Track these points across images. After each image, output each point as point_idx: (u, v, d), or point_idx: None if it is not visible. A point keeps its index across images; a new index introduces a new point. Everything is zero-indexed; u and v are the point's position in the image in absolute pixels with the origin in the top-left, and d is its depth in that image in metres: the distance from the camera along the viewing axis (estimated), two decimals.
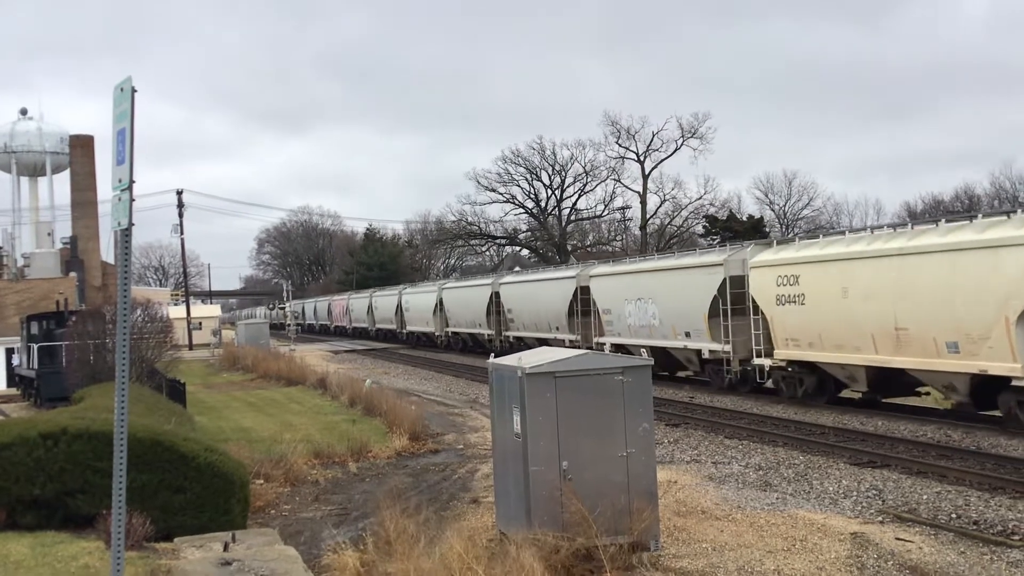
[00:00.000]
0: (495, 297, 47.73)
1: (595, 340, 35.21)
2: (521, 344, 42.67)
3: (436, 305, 57.62)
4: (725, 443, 19.34)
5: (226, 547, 10.41)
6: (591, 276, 36.60)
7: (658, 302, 30.51)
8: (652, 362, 11.72)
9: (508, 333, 46.19)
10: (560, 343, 35.90)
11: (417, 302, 62.89)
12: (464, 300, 53.29)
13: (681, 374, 32.50)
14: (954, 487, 14.24)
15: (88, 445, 11.91)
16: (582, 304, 37.49)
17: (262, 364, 44.16)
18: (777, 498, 13.98)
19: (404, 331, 66.11)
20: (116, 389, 6.42)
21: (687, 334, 28.94)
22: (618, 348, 32.15)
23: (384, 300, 72.60)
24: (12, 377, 36.17)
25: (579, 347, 32.45)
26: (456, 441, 21.24)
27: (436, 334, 58.38)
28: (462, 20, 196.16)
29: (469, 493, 15.49)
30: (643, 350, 30.35)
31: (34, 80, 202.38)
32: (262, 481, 16.16)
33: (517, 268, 66.86)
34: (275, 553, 10.27)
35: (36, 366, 29.89)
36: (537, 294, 42.55)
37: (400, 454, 19.65)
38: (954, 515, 12.61)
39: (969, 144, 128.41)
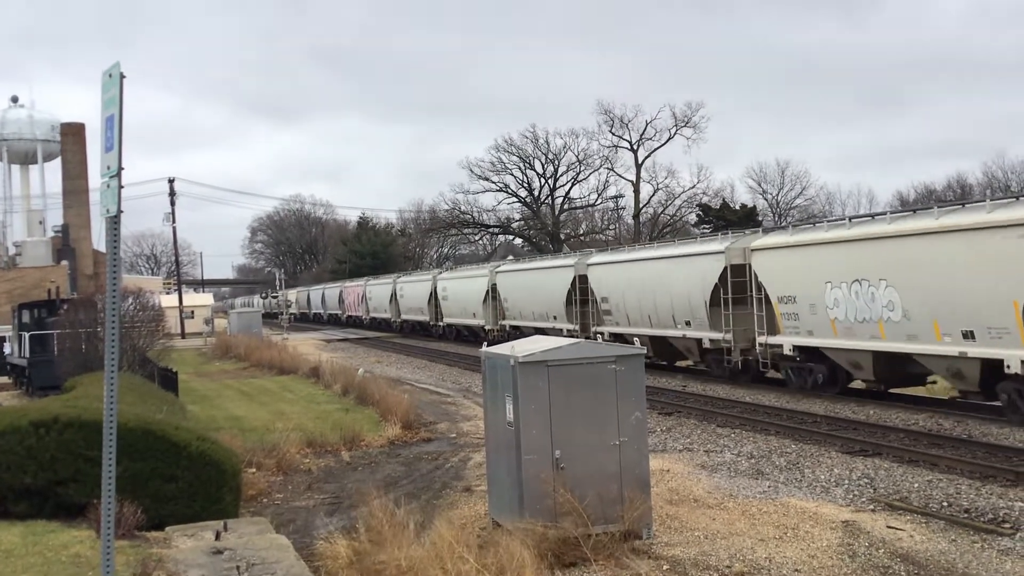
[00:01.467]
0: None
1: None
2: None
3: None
4: (718, 431, 19.38)
5: (218, 536, 10.40)
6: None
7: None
8: (645, 351, 11.71)
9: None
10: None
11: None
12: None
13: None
14: (945, 475, 14.28)
15: (79, 434, 11.87)
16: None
17: (255, 353, 44.10)
18: (769, 486, 14.00)
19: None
20: (105, 377, 6.39)
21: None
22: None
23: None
24: (3, 365, 36.07)
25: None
26: (449, 430, 21.24)
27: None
28: (452, 12, 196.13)
29: (462, 482, 15.50)
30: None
31: (25, 69, 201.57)
32: (254, 470, 16.15)
33: (511, 257, 66.77)
34: (267, 542, 10.26)
35: (28, 354, 29.80)
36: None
37: (393, 443, 19.64)
38: (945, 503, 12.64)
39: (952, 135, 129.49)
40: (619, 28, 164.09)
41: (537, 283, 41.67)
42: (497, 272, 47.30)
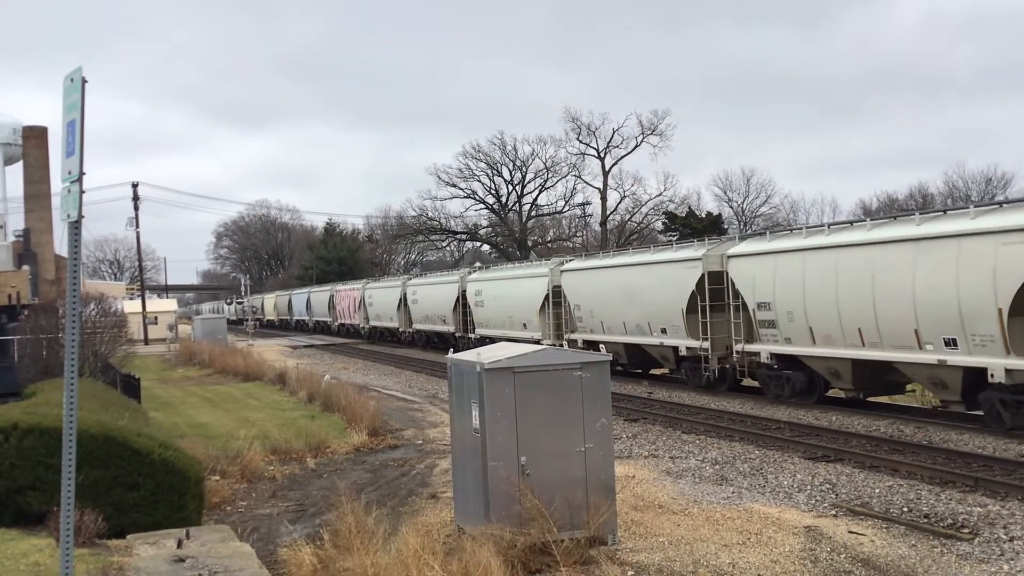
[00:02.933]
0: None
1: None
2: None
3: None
4: (683, 438, 19.49)
5: (180, 544, 10.30)
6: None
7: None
8: (610, 357, 11.76)
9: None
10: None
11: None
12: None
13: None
14: (906, 481, 14.46)
15: (39, 441, 11.72)
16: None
17: (219, 359, 43.71)
18: (733, 492, 14.11)
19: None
20: (65, 383, 6.32)
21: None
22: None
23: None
24: None
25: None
26: (415, 437, 21.19)
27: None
28: (418, 23, 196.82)
29: (428, 488, 15.46)
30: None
31: None
32: (218, 477, 16.02)
33: (479, 264, 66.62)
34: (230, 550, 10.18)
35: None
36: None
37: (359, 450, 19.56)
38: (905, 508, 12.80)
39: (910, 145, 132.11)
40: (579, 44, 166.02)
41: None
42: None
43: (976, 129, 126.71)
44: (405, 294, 56.06)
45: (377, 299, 62.79)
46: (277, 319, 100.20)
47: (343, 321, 53.65)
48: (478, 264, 66.58)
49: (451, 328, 48.24)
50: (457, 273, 50.92)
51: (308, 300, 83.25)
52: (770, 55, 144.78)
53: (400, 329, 57.50)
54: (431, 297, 51.81)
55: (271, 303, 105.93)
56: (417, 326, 54.92)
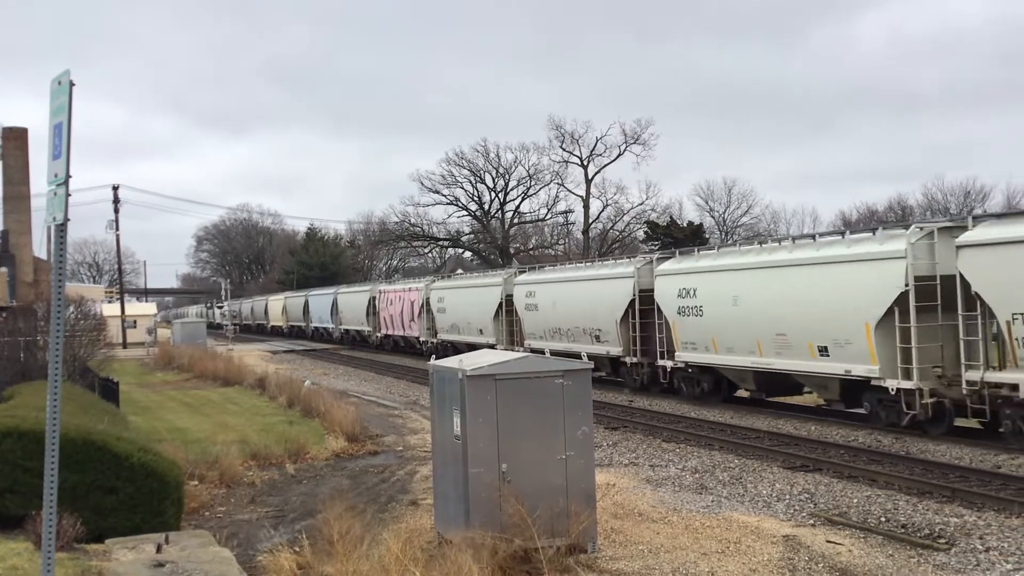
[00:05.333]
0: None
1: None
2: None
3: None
4: (663, 446, 19.56)
5: (159, 549, 10.27)
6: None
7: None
8: (592, 366, 11.81)
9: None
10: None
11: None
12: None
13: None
14: (884, 491, 14.57)
15: (18, 444, 11.66)
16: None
17: (199, 364, 43.50)
18: (712, 501, 14.18)
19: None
20: (48, 387, 6.31)
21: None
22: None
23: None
24: None
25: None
26: (396, 443, 21.16)
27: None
28: (400, 33, 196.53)
29: (408, 495, 15.45)
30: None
31: None
32: (197, 482, 15.95)
33: (460, 271, 66.70)
34: (209, 555, 10.16)
35: None
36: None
37: (339, 456, 19.52)
38: (883, 518, 12.90)
39: (883, 159, 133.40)
40: (560, 58, 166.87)
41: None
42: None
43: (951, 143, 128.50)
44: (375, 300, 57.51)
45: (347, 304, 63.55)
46: (286, 326, 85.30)
47: (392, 332, 52.35)
48: (460, 271, 66.68)
49: (416, 333, 50.34)
50: (422, 280, 52.81)
51: (335, 303, 67.91)
52: (745, 72, 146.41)
53: (368, 334, 58.20)
54: (398, 303, 53.54)
55: (277, 306, 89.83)
56: (385, 331, 56.49)
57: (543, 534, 10.50)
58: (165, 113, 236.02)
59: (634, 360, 29.33)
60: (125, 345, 67.53)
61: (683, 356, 26.47)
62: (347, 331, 63.87)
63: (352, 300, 62.22)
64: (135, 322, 76.06)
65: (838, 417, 22.51)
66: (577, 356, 12.97)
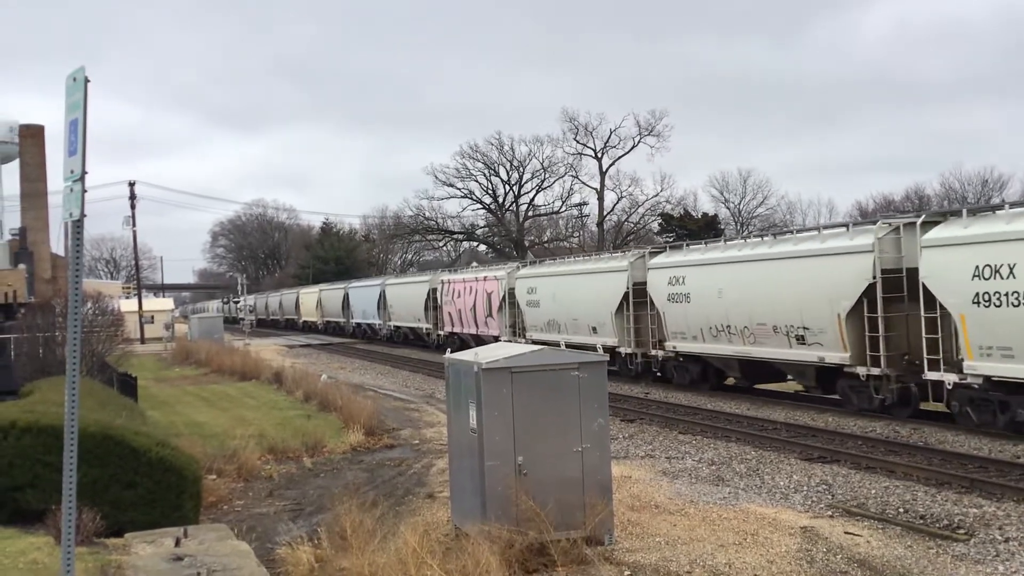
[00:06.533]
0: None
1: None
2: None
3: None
4: (679, 438, 19.53)
5: (178, 542, 10.33)
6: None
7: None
8: (608, 358, 11.79)
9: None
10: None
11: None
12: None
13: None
14: (902, 482, 14.50)
15: (37, 439, 11.75)
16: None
17: (216, 359, 43.69)
18: (729, 492, 14.14)
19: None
20: (67, 382, 6.34)
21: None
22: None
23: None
24: None
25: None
26: (412, 436, 21.21)
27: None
28: (409, 30, 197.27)
29: (425, 488, 15.49)
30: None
31: None
32: (215, 476, 16.03)
33: (474, 264, 66.56)
34: (228, 548, 10.21)
35: None
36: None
37: (355, 449, 19.57)
38: (902, 509, 12.84)
39: (888, 151, 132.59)
40: (568, 53, 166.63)
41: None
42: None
43: (967, 133, 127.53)
44: (384, 293, 58.63)
45: (358, 298, 64.62)
46: (321, 321, 78.70)
47: (462, 330, 45.35)
48: (474, 264, 66.56)
49: (424, 326, 51.60)
50: (428, 274, 54.25)
51: (382, 296, 60.73)
52: (753, 65, 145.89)
53: (379, 327, 59.48)
54: (406, 297, 55.29)
55: (311, 300, 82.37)
56: (394, 324, 57.71)
57: (559, 526, 10.50)
58: (178, 111, 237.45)
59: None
60: (143, 340, 67.91)
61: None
62: (397, 328, 58.21)
63: (405, 292, 56.28)
64: (152, 317, 76.46)
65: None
66: (577, 347, 13.02)
